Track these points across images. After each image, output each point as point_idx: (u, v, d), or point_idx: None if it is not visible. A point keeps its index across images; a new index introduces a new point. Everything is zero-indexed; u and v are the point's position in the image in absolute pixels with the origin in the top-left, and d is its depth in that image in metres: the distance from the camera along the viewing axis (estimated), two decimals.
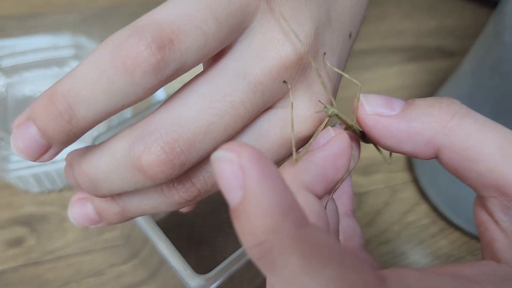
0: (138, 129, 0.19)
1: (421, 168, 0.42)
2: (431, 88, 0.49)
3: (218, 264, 0.26)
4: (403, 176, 0.43)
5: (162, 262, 0.34)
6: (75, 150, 0.21)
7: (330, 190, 0.20)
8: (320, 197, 0.20)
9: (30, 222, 0.37)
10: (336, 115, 0.20)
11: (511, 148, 0.18)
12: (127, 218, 0.22)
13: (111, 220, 0.22)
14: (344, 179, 0.20)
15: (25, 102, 0.39)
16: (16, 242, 0.36)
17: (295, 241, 0.14)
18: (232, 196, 0.14)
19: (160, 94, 0.39)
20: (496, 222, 0.19)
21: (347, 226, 0.24)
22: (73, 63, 0.40)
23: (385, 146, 0.20)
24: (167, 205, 0.21)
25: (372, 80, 0.51)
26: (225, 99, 0.19)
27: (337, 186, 0.20)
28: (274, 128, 0.21)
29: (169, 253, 0.26)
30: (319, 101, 0.21)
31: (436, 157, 0.20)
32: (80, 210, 0.22)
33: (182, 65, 0.18)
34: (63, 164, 0.34)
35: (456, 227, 0.40)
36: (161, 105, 0.19)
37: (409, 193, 0.42)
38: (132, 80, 0.17)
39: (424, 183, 0.41)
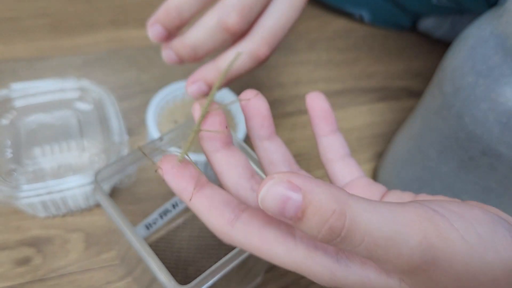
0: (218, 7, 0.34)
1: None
2: (397, 126, 0.55)
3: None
4: None
5: (153, 280, 0.38)
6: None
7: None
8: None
9: (36, 243, 0.42)
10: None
11: None
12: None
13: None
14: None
15: (34, 135, 0.44)
16: (24, 261, 0.40)
17: None
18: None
19: (154, 133, 0.45)
20: None
21: None
22: (79, 104, 0.45)
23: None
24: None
25: (344, 118, 0.57)
26: None
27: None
28: None
29: (158, 270, 0.31)
30: None
31: None
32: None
33: None
34: (66, 193, 0.39)
35: None
36: None
37: None
38: None
39: None
